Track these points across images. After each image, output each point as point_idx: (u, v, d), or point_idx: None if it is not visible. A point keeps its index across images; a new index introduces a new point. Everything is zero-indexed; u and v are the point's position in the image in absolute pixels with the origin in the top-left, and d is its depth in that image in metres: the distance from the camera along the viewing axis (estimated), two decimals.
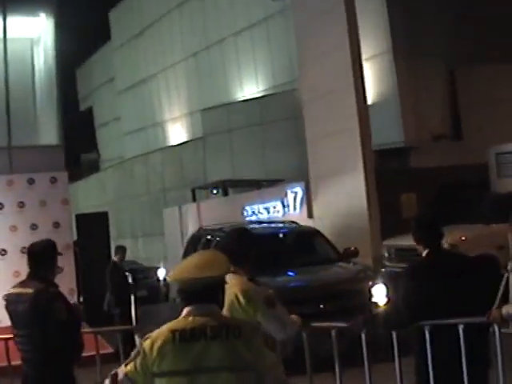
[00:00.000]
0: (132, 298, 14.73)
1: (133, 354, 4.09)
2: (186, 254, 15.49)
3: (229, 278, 5.92)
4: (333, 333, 7.20)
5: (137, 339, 12.26)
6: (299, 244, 14.54)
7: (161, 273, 25.35)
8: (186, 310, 4.07)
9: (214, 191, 28.57)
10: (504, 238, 16.29)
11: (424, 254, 6.31)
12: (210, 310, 4.04)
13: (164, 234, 30.14)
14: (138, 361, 4.04)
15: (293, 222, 16.81)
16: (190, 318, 4.02)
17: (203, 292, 4.02)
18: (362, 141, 18.30)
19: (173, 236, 28.16)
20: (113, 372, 4.13)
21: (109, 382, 4.11)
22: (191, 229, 25.68)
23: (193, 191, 30.00)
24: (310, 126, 20.00)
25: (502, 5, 24.97)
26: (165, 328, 4.07)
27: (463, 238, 15.88)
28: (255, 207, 23.52)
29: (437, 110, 24.10)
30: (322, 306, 11.81)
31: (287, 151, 26.53)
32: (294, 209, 21.44)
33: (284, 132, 27.20)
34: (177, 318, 4.09)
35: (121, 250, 16.02)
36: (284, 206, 22.05)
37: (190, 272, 4.02)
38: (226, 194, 28.50)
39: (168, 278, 4.25)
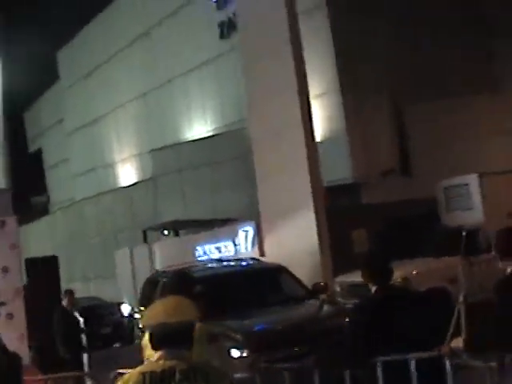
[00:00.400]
0: (84, 342, 14.53)
1: None
2: (143, 297, 15.30)
3: None
4: (285, 374, 7.15)
5: None
6: (265, 282, 13.69)
7: (125, 308, 25.01)
8: (157, 354, 4.18)
9: (165, 232, 28.41)
10: (455, 270, 16.51)
11: (373, 290, 6.38)
12: (180, 354, 4.14)
13: (116, 276, 29.88)
14: None
15: (255, 258, 16.57)
16: (161, 362, 4.13)
17: (173, 336, 4.14)
18: (311, 178, 18.45)
19: (125, 278, 27.93)
20: None
21: None
22: (143, 270, 25.51)
23: (144, 232, 29.80)
24: (260, 164, 20.03)
25: (448, 42, 25.47)
26: (136, 370, 4.20)
27: (415, 272, 15.99)
28: (207, 247, 23.46)
29: (385, 145, 24.32)
30: (296, 348, 10.81)
31: (238, 190, 26.50)
32: (246, 248, 21.43)
33: (234, 171, 27.20)
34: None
35: (68, 293, 15.71)
36: (235, 245, 22.05)
37: (160, 317, 4.17)
38: (177, 234, 28.38)
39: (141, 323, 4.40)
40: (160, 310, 4.24)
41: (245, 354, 10.45)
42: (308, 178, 18.42)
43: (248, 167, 21.41)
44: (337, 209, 19.71)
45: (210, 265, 15.98)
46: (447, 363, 6.24)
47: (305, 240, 18.20)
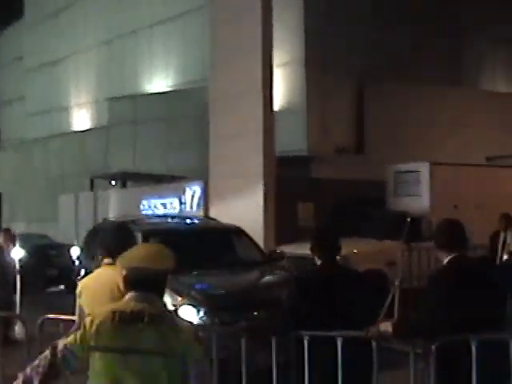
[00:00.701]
0: (18, 283, 14.32)
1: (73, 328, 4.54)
2: (87, 244, 15.16)
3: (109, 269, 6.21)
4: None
5: (18, 326, 11.94)
6: (221, 242, 13.11)
7: (74, 252, 24.62)
8: (129, 295, 4.42)
9: (113, 182, 28.17)
10: (394, 255, 16.58)
11: (318, 263, 6.49)
12: (151, 299, 4.37)
13: (58, 221, 29.61)
14: (79, 334, 4.41)
15: (211, 218, 16.28)
16: (132, 303, 4.36)
17: (147, 282, 4.37)
18: (264, 146, 18.46)
19: (67, 223, 27.69)
20: (54, 343, 4.49)
21: (49, 352, 4.45)
22: (87, 218, 25.32)
23: (91, 180, 29.56)
24: (215, 126, 19.94)
25: (413, 26, 25.50)
26: (106, 308, 4.46)
27: (355, 251, 16.00)
28: (153, 202, 23.31)
29: (343, 123, 24.28)
30: (255, 313, 10.33)
31: (190, 149, 26.33)
32: (191, 207, 21.28)
33: (189, 130, 27.00)
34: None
35: (4, 232, 15.23)
36: (181, 203, 21.87)
37: (139, 261, 4.40)
38: (124, 186, 28.18)
39: (118, 265, 4.63)
40: (140, 255, 4.47)
41: (201, 314, 10.29)
42: (261, 145, 18.40)
43: (203, 128, 21.24)
44: (287, 180, 19.56)
45: (164, 219, 15.71)
46: (374, 345, 6.25)
47: (251, 207, 18.24)
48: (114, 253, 5.89)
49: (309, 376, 6.23)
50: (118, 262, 4.60)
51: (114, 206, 24.83)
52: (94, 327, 4.33)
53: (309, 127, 23.39)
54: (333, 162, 23.29)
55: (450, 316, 5.61)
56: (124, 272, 4.45)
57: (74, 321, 6.64)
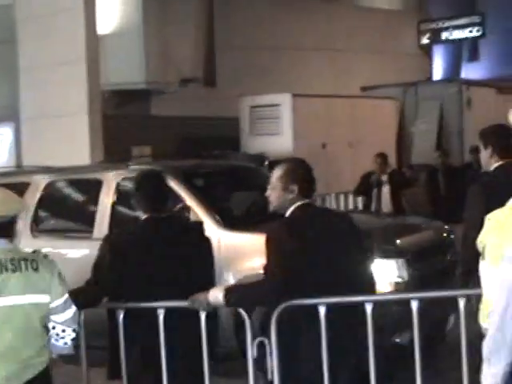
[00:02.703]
0: None
1: None
2: None
3: None
4: None
5: None
6: None
7: None
8: None
9: None
10: None
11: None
12: (9, 245, 4.70)
13: None
14: None
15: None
16: None
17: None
18: (88, 77, 16.83)
19: None
20: None
21: None
22: None
23: None
24: (25, 53, 17.85)
25: None
26: None
27: None
28: None
29: (189, 48, 21.84)
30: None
31: None
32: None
33: None
34: None
35: None
36: None
37: None
38: None
39: None
40: None
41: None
42: (85, 76, 16.77)
43: (11, 55, 18.79)
44: (119, 118, 17.95)
45: None
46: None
47: (74, 152, 16.38)
48: None
49: None
50: None
51: None
52: None
53: (147, 54, 20.71)
54: (177, 96, 21.07)
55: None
56: None
57: None
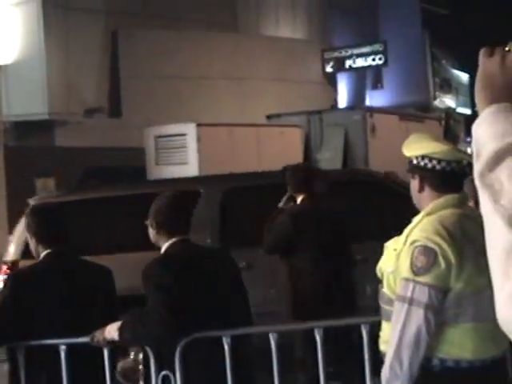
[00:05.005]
0: None
1: None
2: None
3: None
4: None
5: None
6: None
7: None
8: None
9: None
10: None
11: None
12: None
13: None
14: None
15: None
16: None
17: None
18: None
19: None
20: None
21: None
22: None
23: None
24: None
25: None
26: None
27: None
28: None
29: (93, 78, 21.55)
30: None
31: None
32: None
33: None
34: None
35: None
36: None
37: None
38: None
39: None
40: None
41: None
42: None
43: None
44: (20, 150, 17.27)
45: None
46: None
47: None
48: None
49: None
50: None
51: None
52: None
53: (49, 84, 20.29)
54: (82, 127, 20.71)
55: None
56: None
57: None
